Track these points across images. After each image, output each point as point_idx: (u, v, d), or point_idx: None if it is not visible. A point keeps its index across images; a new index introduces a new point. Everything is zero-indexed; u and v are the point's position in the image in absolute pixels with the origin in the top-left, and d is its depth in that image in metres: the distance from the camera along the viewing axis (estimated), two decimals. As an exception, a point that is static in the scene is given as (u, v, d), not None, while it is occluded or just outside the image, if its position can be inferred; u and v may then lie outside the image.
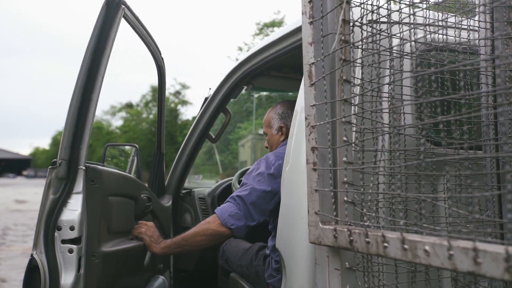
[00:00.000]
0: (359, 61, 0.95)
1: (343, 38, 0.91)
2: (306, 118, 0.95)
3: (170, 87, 29.10)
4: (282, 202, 1.26)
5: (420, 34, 1.05)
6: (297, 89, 2.26)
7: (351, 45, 0.89)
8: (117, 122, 36.83)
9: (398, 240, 0.71)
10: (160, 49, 1.98)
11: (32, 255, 1.31)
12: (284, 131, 1.83)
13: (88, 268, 1.34)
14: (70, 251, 1.30)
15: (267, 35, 21.35)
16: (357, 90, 1.04)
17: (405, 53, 0.98)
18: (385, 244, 0.74)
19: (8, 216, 11.38)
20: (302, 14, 0.95)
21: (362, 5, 0.92)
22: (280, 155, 1.63)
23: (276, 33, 1.59)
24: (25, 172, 57.55)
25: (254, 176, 1.60)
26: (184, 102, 31.96)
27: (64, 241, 1.31)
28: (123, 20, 1.49)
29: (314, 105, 0.93)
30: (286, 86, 2.14)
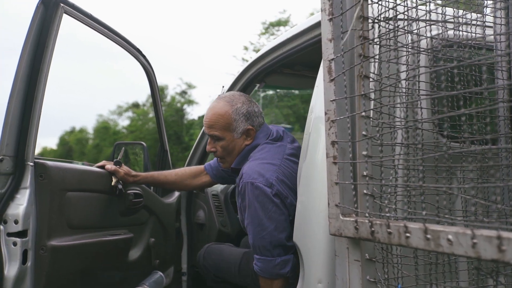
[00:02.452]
0: (376, 56, 0.97)
1: (362, 34, 0.93)
2: (326, 113, 0.97)
3: (176, 87, 29.20)
4: (298, 197, 1.28)
5: (436, 30, 1.06)
6: (309, 87, 2.29)
7: (371, 42, 0.91)
8: (123, 122, 37.01)
9: (420, 230, 0.73)
10: (127, 39, 1.88)
11: None
12: (252, 133, 1.59)
13: (36, 261, 1.38)
14: (14, 244, 1.35)
15: (272, 34, 21.33)
16: (373, 85, 1.06)
17: (423, 49, 1.00)
18: (407, 234, 0.76)
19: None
20: (322, 11, 0.97)
21: (380, 2, 0.94)
22: (265, 167, 1.45)
23: (290, 31, 1.61)
24: (33, 172, 57.93)
25: (261, 223, 1.41)
26: (190, 102, 32.03)
27: (9, 234, 1.35)
28: (69, 18, 1.51)
29: (333, 100, 0.95)
30: (298, 83, 2.16)
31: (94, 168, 1.70)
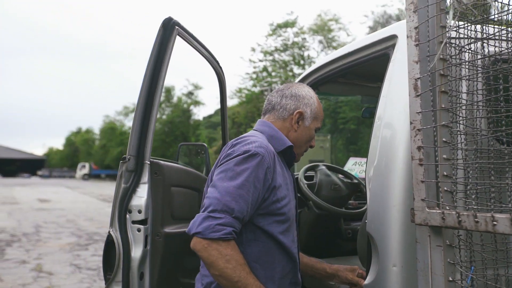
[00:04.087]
0: (455, 75, 1.16)
1: (442, 57, 1.12)
2: (411, 123, 1.15)
3: (183, 88, 29.41)
4: (370, 195, 1.46)
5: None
6: (357, 94, 2.47)
7: (456, 65, 1.09)
8: (130, 122, 37.27)
9: (507, 219, 0.91)
10: (216, 58, 2.18)
11: (109, 232, 1.62)
12: None
13: (153, 245, 1.64)
14: (139, 230, 1.60)
15: (280, 35, 21.51)
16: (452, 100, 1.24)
17: (494, 70, 1.18)
18: (495, 223, 0.94)
19: (35, 214, 11.75)
20: (408, 37, 1.16)
21: (461, 29, 1.12)
22: None
23: (353, 44, 1.78)
24: (39, 172, 58.49)
25: None
26: (197, 103, 32.24)
27: (134, 222, 1.61)
28: (180, 38, 1.75)
29: (419, 112, 1.13)
30: (348, 91, 2.34)
31: (192, 170, 1.97)
